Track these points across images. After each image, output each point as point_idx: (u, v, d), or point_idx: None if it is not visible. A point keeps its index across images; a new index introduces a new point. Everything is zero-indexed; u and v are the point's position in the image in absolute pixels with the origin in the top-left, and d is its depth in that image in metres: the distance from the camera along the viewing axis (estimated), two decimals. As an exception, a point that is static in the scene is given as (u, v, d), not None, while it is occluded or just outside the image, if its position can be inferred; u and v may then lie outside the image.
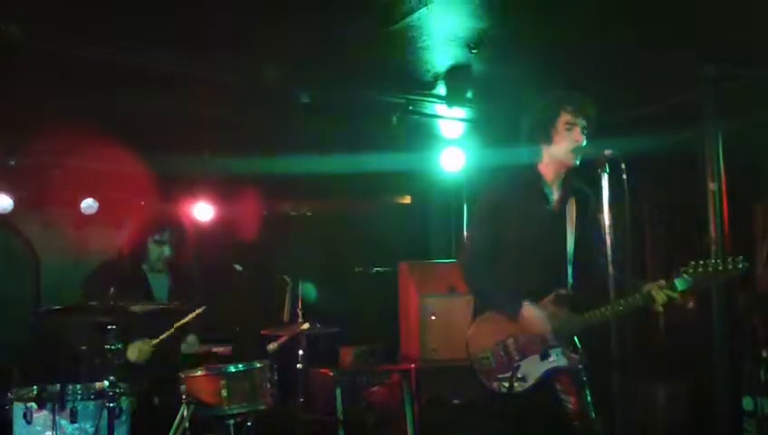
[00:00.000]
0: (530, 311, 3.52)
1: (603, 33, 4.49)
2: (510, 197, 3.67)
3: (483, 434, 3.82)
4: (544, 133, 3.62)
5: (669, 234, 6.11)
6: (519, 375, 3.48)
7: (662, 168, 5.65)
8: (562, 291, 3.59)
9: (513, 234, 3.63)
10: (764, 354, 5.01)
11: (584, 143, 3.56)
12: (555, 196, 3.69)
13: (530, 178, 3.70)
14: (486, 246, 3.66)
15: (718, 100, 4.94)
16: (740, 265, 3.33)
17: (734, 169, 4.95)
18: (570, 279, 3.65)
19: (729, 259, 3.35)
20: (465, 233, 6.68)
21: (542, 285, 3.59)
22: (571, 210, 3.69)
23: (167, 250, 4.78)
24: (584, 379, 3.54)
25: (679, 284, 3.37)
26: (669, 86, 5.18)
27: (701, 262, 3.35)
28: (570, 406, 3.52)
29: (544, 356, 3.51)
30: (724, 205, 4.90)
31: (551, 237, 3.64)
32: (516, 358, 3.51)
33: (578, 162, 3.59)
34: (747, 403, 5.00)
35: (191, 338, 4.76)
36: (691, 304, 5.49)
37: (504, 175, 3.84)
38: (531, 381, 3.49)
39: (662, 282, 3.39)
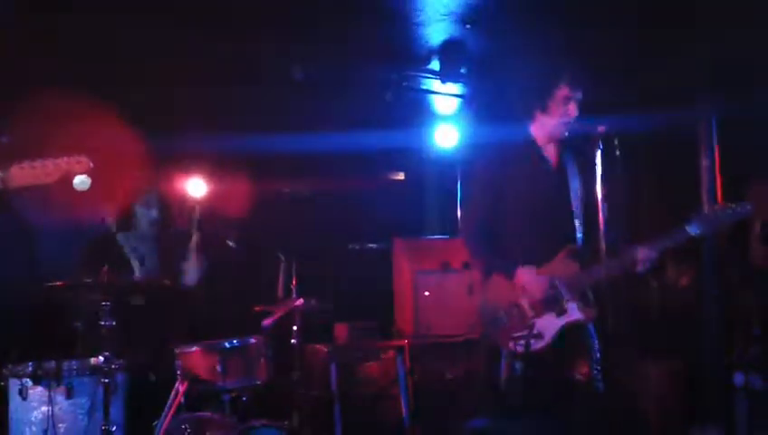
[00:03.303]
0: (523, 275, 3.49)
1: (597, 9, 4.46)
2: (507, 161, 3.65)
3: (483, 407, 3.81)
4: (540, 100, 3.59)
5: (665, 210, 6.11)
6: (535, 332, 3.42)
7: (657, 144, 5.64)
8: (572, 246, 3.57)
9: (515, 197, 3.61)
10: (755, 331, 5.04)
11: (575, 117, 3.54)
12: (552, 154, 3.68)
13: (524, 141, 3.68)
14: (487, 214, 3.64)
15: (713, 77, 4.93)
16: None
17: (728, 145, 4.95)
18: (579, 234, 3.62)
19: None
20: (459, 209, 6.68)
21: (552, 244, 3.55)
22: (572, 166, 3.66)
23: (154, 213, 4.76)
24: (595, 345, 3.50)
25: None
26: (664, 61, 5.16)
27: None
28: (579, 376, 3.47)
29: (560, 312, 3.47)
30: (717, 181, 4.91)
31: (554, 195, 3.62)
32: (531, 314, 3.47)
33: (566, 135, 3.60)
34: (738, 379, 5.04)
35: None
36: (684, 280, 5.52)
37: (498, 143, 3.79)
38: (548, 338, 3.44)
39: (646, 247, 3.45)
